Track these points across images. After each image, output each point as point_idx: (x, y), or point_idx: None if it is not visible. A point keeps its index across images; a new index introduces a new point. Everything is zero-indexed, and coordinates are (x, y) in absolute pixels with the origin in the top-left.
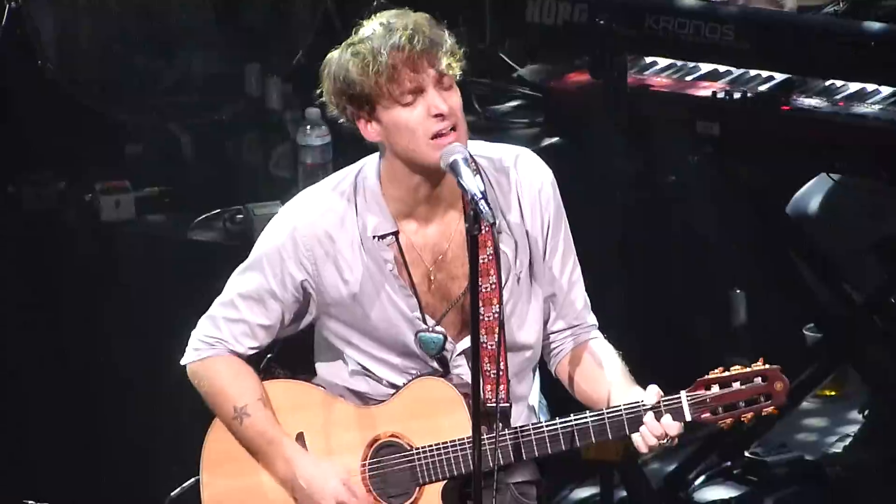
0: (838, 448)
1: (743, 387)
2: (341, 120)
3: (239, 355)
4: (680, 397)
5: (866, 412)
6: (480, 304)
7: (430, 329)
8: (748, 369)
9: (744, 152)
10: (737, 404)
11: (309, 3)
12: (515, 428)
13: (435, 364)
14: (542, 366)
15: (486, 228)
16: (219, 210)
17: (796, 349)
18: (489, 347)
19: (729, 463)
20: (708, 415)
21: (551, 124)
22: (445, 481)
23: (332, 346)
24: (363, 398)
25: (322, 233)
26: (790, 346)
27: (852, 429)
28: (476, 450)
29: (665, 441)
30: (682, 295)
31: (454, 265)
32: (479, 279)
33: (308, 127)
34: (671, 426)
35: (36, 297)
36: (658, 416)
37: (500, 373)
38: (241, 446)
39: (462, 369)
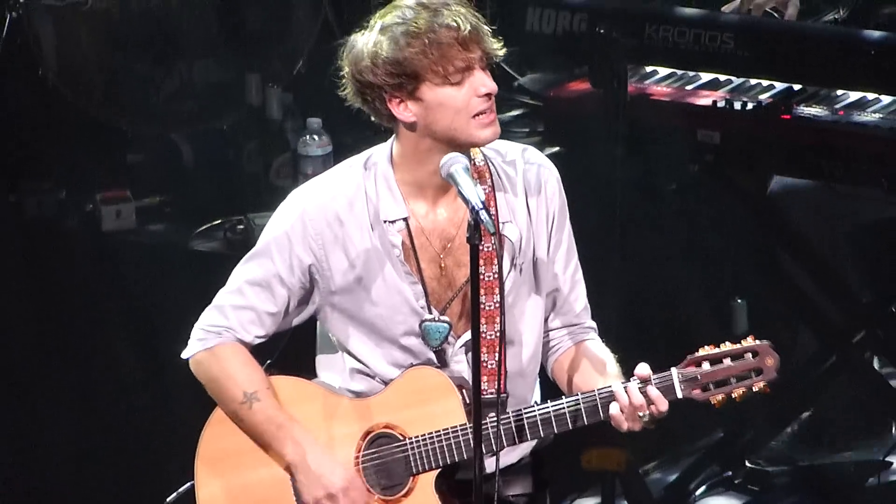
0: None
1: (734, 363)
2: (352, 101)
3: (245, 345)
4: (671, 374)
5: None
6: (482, 294)
7: (436, 318)
8: (738, 345)
9: (744, 161)
10: (728, 380)
11: (310, 12)
12: (496, 416)
13: (433, 356)
14: (541, 371)
15: (486, 238)
16: (220, 220)
17: (796, 357)
18: (488, 337)
19: (730, 472)
20: (699, 392)
21: (551, 133)
22: (439, 470)
23: (331, 344)
24: (362, 398)
25: (332, 215)
26: (790, 354)
27: None
28: (476, 447)
29: (646, 418)
30: (683, 304)
31: (460, 252)
32: (483, 268)
33: (309, 137)
34: (659, 400)
35: (37, 305)
36: (643, 388)
37: (498, 363)
38: (244, 434)
39: (462, 365)
